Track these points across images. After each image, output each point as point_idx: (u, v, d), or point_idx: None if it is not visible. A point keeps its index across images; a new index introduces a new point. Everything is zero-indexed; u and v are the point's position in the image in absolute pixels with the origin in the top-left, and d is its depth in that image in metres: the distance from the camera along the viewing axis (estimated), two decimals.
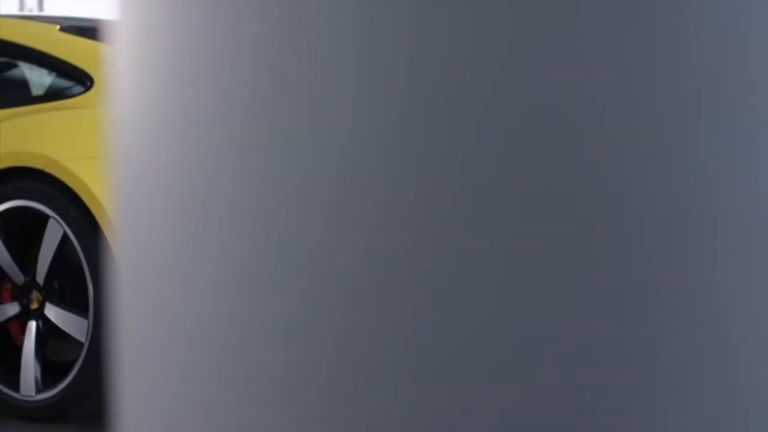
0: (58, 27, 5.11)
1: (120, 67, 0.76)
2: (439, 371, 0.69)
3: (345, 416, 0.70)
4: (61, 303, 4.47)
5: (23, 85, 5.23)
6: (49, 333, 4.50)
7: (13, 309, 4.56)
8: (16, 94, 5.20)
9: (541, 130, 0.68)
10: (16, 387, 4.48)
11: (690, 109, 0.69)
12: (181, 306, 0.74)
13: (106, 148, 0.80)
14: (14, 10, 12.18)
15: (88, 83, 4.77)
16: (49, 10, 12.35)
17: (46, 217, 4.39)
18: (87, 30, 5.11)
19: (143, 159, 0.76)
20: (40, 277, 4.46)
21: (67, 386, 4.36)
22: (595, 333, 0.69)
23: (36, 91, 5.15)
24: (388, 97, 0.68)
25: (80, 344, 4.34)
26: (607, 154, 0.68)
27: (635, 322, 0.70)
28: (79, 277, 4.34)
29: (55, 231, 4.37)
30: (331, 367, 0.70)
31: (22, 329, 4.55)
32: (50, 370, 4.48)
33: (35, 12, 11.98)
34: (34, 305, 4.51)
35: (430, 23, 0.68)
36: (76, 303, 4.42)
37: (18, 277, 4.53)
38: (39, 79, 5.18)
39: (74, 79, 4.85)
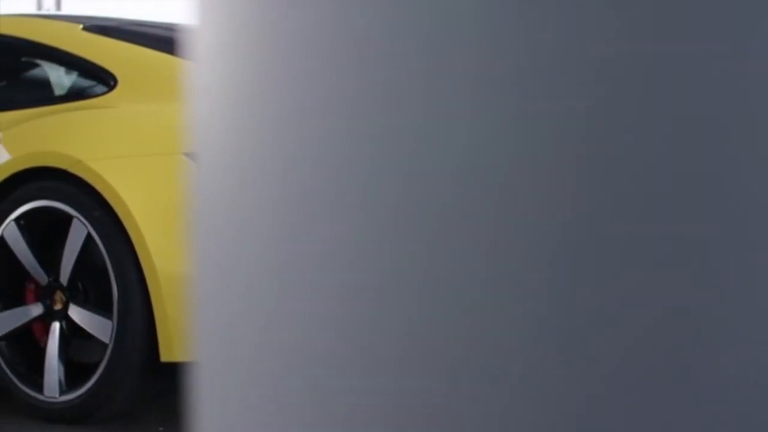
0: (81, 26, 5.09)
1: (202, 67, 0.73)
2: (567, 378, 0.66)
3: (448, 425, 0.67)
4: (84, 304, 4.45)
5: (47, 84, 5.22)
6: (72, 334, 4.48)
7: (36, 310, 4.54)
8: (40, 94, 5.19)
9: (669, 129, 0.65)
10: (39, 388, 4.46)
11: None
12: (273, 312, 0.71)
13: (192, 148, 0.77)
14: (32, 10, 12.19)
15: (112, 83, 4.75)
16: (67, 10, 12.36)
17: (70, 218, 4.36)
18: (110, 29, 5.09)
19: (229, 160, 0.73)
20: (64, 277, 4.44)
21: (91, 388, 4.34)
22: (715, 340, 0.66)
23: (59, 90, 5.14)
24: (505, 94, 0.65)
25: (104, 345, 4.32)
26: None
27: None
28: (103, 277, 4.32)
29: (78, 231, 4.35)
30: (436, 375, 0.67)
31: (46, 330, 4.53)
32: (74, 372, 4.46)
33: (53, 11, 11.99)
34: (58, 306, 4.49)
35: (550, 17, 0.64)
36: (99, 304, 4.40)
37: (41, 277, 4.51)
38: (62, 78, 5.17)
39: (98, 79, 4.84)
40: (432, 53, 0.66)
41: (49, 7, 12.73)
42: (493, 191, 0.66)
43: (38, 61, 5.26)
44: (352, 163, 0.68)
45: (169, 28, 5.46)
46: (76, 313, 4.43)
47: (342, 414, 0.69)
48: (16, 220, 4.51)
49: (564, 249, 0.66)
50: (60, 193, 4.41)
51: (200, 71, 0.73)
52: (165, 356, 4.19)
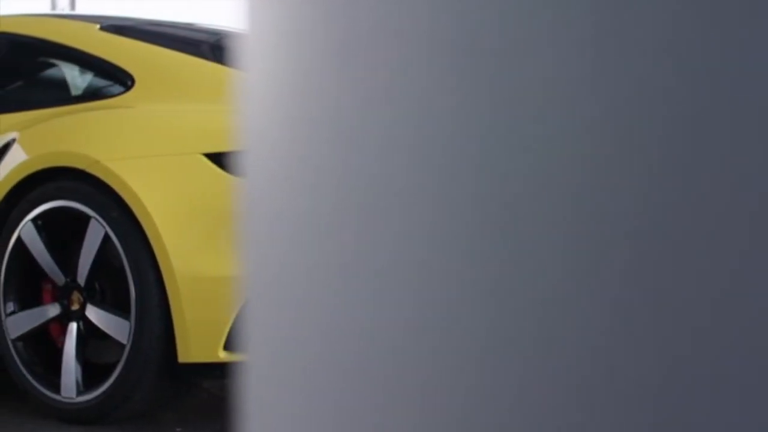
0: (98, 26, 5.08)
1: (254, 66, 0.71)
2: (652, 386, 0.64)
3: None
4: (102, 304, 4.44)
5: (64, 84, 5.21)
6: (89, 334, 4.47)
7: (53, 310, 4.53)
8: (57, 94, 5.18)
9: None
10: (56, 389, 4.45)
11: None
12: (330, 316, 0.69)
13: (242, 147, 0.74)
14: (46, 9, 12.19)
15: (129, 83, 4.74)
16: (81, 10, 12.36)
17: (88, 218, 4.35)
18: (127, 29, 5.08)
19: (282, 161, 0.71)
20: (81, 278, 4.43)
21: (108, 388, 4.33)
22: None
23: (76, 90, 5.13)
24: (578, 90, 0.63)
25: (121, 346, 4.30)
26: None
27: None
28: (120, 278, 4.30)
29: (96, 231, 4.34)
30: (508, 382, 0.65)
31: (63, 330, 4.52)
32: (91, 372, 4.45)
33: (67, 11, 11.99)
34: (75, 306, 4.48)
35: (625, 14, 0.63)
36: (117, 304, 4.39)
37: (59, 277, 4.50)
38: (80, 78, 5.16)
39: (115, 79, 4.83)
40: (497, 50, 0.64)
41: (63, 7, 12.74)
42: (566, 191, 0.64)
43: (55, 61, 5.26)
44: (413, 161, 0.66)
45: (186, 27, 5.45)
46: (93, 313, 4.42)
47: (401, 421, 0.68)
48: (34, 220, 4.50)
49: (641, 247, 0.64)
50: (77, 193, 4.40)
51: (252, 70, 0.71)
52: (183, 357, 4.18)
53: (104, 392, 4.34)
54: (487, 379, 0.65)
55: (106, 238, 4.31)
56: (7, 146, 4.68)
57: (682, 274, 0.64)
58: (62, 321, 4.53)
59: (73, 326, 4.47)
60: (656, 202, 0.63)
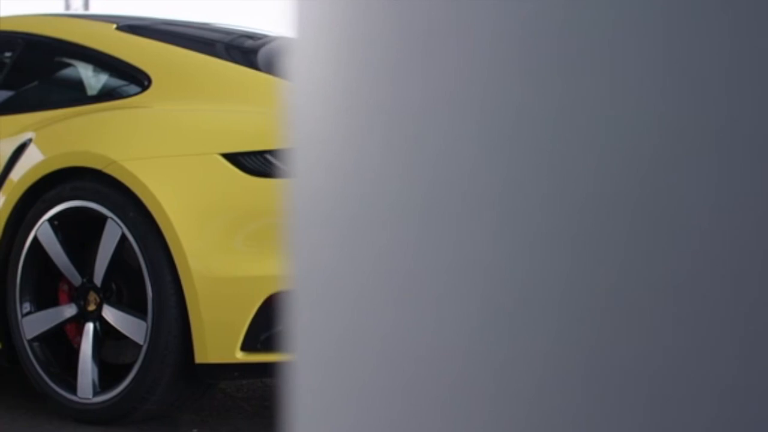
0: (114, 26, 5.08)
1: (305, 69, 0.69)
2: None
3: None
4: (118, 305, 4.43)
5: (80, 84, 5.20)
6: (106, 335, 4.46)
7: (70, 310, 4.52)
8: (74, 94, 5.18)
9: None
10: (73, 390, 4.44)
11: None
12: (387, 321, 0.67)
13: (288, 150, 0.73)
14: (60, 9, 12.20)
15: (146, 83, 4.73)
16: (95, 9, 12.36)
17: (104, 218, 4.34)
18: (143, 29, 5.07)
19: (333, 164, 0.69)
20: (98, 278, 4.42)
21: (125, 389, 4.32)
22: None
23: (93, 90, 5.12)
24: (646, 89, 0.61)
25: (138, 346, 4.29)
26: None
27: None
28: (137, 278, 4.29)
29: (113, 232, 4.33)
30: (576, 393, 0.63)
31: (79, 331, 4.51)
32: (107, 373, 4.44)
33: (80, 11, 12.00)
34: (92, 307, 4.47)
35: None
36: (134, 305, 4.38)
37: (75, 278, 4.49)
38: (96, 78, 5.15)
39: (132, 79, 4.82)
40: (562, 49, 0.62)
41: (77, 7, 12.75)
42: (631, 191, 0.62)
43: (72, 61, 5.25)
44: (473, 164, 0.65)
45: (202, 27, 5.44)
46: (109, 313, 4.41)
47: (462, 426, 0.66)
48: (50, 220, 4.49)
49: (725, 250, 0.62)
50: (94, 193, 4.39)
51: (304, 70, 0.69)
52: (199, 358, 4.17)
53: (121, 393, 4.33)
54: (554, 389, 0.63)
55: (123, 239, 4.30)
56: (23, 146, 4.67)
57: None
58: (79, 321, 4.52)
59: (90, 327, 4.46)
60: (745, 205, 0.61)
